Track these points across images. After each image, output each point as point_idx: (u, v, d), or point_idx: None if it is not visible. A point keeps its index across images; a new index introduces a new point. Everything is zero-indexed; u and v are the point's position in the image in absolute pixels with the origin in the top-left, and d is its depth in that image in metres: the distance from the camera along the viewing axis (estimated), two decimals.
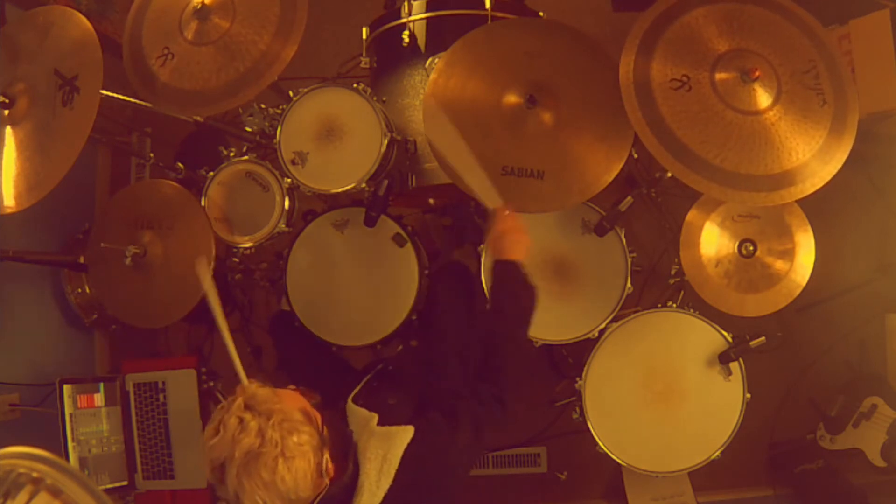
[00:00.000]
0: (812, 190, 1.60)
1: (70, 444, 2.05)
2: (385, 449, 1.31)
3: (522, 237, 1.56)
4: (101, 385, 2.16)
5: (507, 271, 1.53)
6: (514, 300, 1.53)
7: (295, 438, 1.18)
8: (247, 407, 1.18)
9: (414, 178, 2.02)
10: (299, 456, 1.17)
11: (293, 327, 1.98)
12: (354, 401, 1.48)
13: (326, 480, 1.24)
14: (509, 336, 1.51)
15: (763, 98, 1.61)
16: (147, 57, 1.89)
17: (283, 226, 1.97)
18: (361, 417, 1.40)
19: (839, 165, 1.61)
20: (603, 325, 1.93)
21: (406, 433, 1.33)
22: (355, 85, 1.89)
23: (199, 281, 1.60)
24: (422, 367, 1.69)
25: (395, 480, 1.28)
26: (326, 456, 1.23)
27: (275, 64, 1.80)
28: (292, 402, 1.25)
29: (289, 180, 1.93)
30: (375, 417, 1.37)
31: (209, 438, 1.18)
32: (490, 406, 1.44)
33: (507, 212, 1.57)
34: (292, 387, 1.37)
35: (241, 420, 1.16)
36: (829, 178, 1.60)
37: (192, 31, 1.86)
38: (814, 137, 1.61)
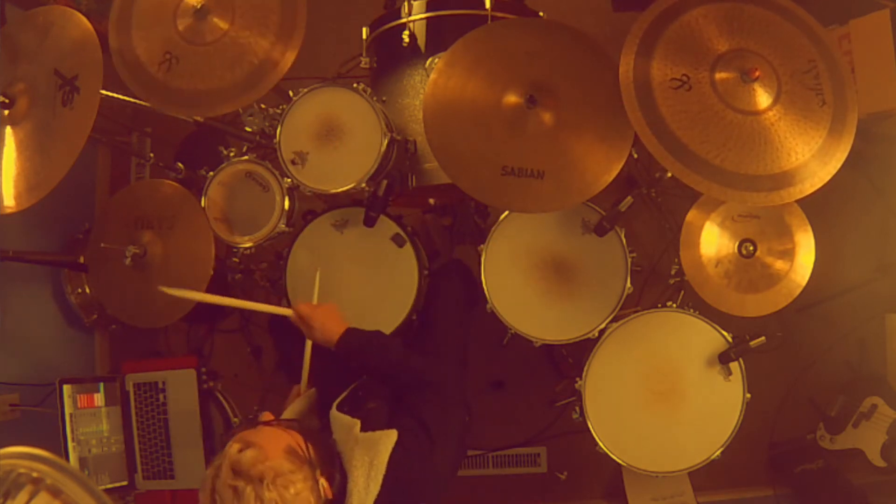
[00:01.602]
0: (811, 190, 1.60)
1: (70, 444, 2.05)
2: (371, 455, 1.30)
3: (328, 314, 1.65)
4: (101, 385, 2.16)
5: (352, 342, 1.62)
6: (377, 359, 1.60)
7: (292, 490, 1.17)
8: (236, 473, 1.16)
9: (414, 178, 2.02)
10: (301, 503, 1.17)
11: (293, 327, 1.98)
12: (339, 408, 1.47)
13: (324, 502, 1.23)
14: (400, 369, 1.58)
15: (763, 98, 1.61)
16: (146, 65, 1.87)
17: (283, 226, 1.97)
18: (344, 425, 1.39)
19: (839, 166, 1.61)
20: (603, 325, 1.93)
21: (389, 438, 1.33)
22: (355, 85, 1.89)
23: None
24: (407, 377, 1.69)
25: (383, 486, 1.28)
26: (321, 480, 1.23)
27: (276, 68, 1.79)
28: (276, 447, 1.23)
29: (289, 180, 1.93)
30: (358, 424, 1.36)
31: None
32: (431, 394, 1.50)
33: (300, 310, 1.66)
34: (267, 414, 1.38)
35: (235, 489, 1.15)
36: (828, 178, 1.60)
37: (190, 32, 1.86)
38: (813, 138, 1.61)
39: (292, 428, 1.29)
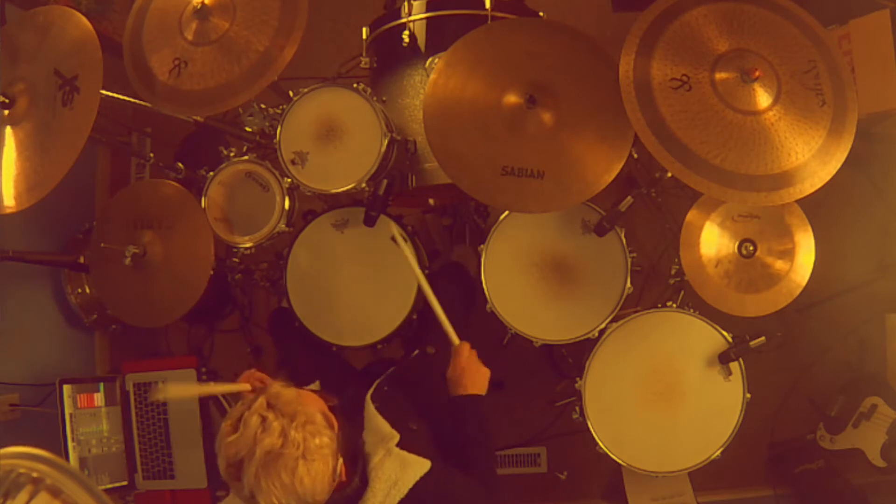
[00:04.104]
0: (811, 190, 1.60)
1: (70, 444, 2.05)
2: (398, 475, 1.30)
3: (482, 371, 1.61)
4: (101, 385, 2.16)
5: (469, 406, 1.57)
6: (480, 429, 1.56)
7: (317, 441, 1.17)
8: (269, 406, 1.18)
9: (414, 178, 2.02)
10: (319, 459, 1.17)
11: (293, 327, 1.98)
12: (372, 401, 1.47)
13: (335, 484, 1.23)
14: (484, 451, 1.55)
15: (763, 98, 1.61)
16: (158, 75, 1.87)
17: (283, 226, 1.97)
18: (382, 432, 1.39)
19: (839, 166, 1.61)
20: (603, 325, 1.93)
21: (422, 466, 1.33)
22: (355, 85, 1.89)
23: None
24: (438, 380, 1.70)
25: None
26: (340, 461, 1.23)
27: (275, 63, 1.79)
28: (314, 404, 1.24)
29: (289, 180, 1.93)
30: (396, 437, 1.36)
31: (227, 435, 1.17)
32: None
33: (464, 350, 1.62)
34: (312, 387, 1.38)
35: (264, 419, 1.16)
36: (828, 178, 1.60)
37: (192, 32, 1.86)
38: (813, 138, 1.61)
39: (331, 404, 1.30)
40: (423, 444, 1.41)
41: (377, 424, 1.41)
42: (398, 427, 1.40)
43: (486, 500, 1.45)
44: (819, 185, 1.60)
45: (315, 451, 1.16)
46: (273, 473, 1.13)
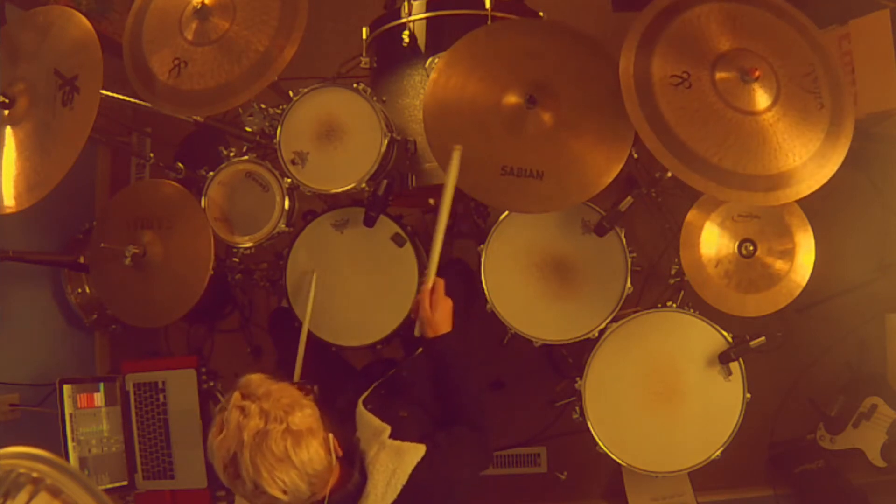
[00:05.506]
0: (808, 192, 1.60)
1: (70, 444, 2.05)
2: (395, 464, 1.33)
3: (449, 303, 1.57)
4: (101, 385, 2.16)
5: (447, 348, 1.55)
6: (463, 372, 1.55)
7: (298, 413, 1.20)
8: (244, 396, 1.21)
9: (414, 178, 2.02)
10: (305, 431, 1.20)
11: (293, 327, 1.98)
12: (365, 405, 1.49)
13: (334, 459, 1.26)
14: (469, 394, 1.55)
15: (762, 98, 1.61)
16: (158, 75, 1.87)
17: (283, 226, 1.97)
18: (373, 427, 1.41)
19: (835, 168, 1.61)
20: (603, 325, 1.93)
21: (417, 451, 1.35)
22: (355, 85, 1.89)
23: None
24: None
25: (400, 495, 1.31)
26: (330, 435, 1.25)
27: (275, 63, 1.79)
28: (288, 386, 1.27)
29: (289, 180, 1.94)
30: (388, 430, 1.39)
31: (214, 438, 1.19)
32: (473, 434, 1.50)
33: (438, 288, 1.57)
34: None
35: (242, 408, 1.19)
36: (825, 180, 1.60)
37: (192, 32, 1.86)
38: (811, 140, 1.61)
39: (305, 390, 1.31)
40: (416, 428, 1.43)
41: (368, 421, 1.43)
42: (388, 419, 1.42)
43: (482, 447, 1.49)
44: (815, 187, 1.60)
45: (299, 423, 1.19)
46: (266, 452, 1.15)
